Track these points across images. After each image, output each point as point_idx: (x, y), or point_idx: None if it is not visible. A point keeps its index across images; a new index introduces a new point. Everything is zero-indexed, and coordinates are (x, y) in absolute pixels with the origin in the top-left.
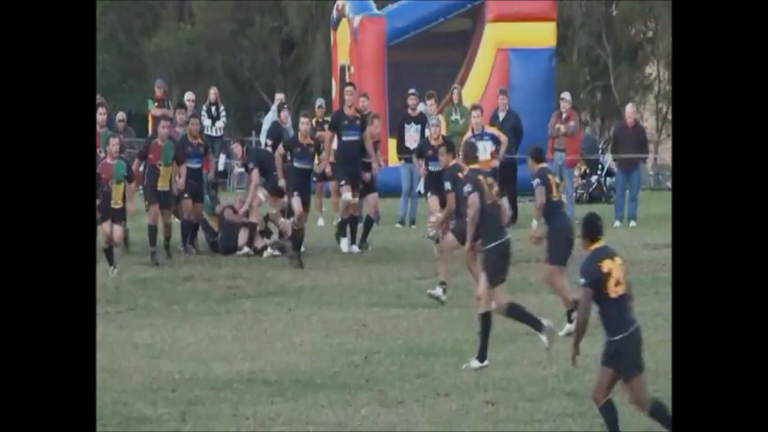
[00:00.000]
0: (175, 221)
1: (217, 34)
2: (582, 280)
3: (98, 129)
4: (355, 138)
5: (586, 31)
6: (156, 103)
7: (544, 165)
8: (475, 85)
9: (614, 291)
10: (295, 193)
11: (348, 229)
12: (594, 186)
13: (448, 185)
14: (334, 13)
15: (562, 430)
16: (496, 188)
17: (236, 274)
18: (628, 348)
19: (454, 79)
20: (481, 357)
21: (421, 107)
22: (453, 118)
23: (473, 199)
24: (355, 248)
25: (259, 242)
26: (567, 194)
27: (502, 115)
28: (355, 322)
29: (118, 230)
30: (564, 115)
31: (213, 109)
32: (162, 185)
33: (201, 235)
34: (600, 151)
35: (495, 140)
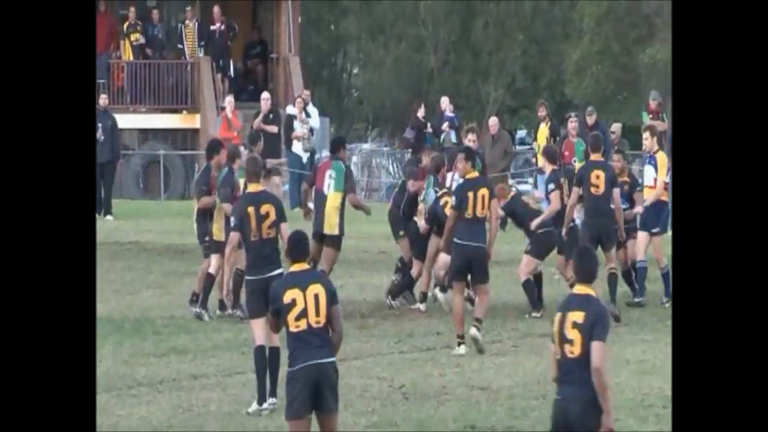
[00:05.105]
0: None
1: None
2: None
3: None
4: None
5: None
6: (650, 116)
7: None
8: None
9: (294, 325)
10: None
11: None
12: None
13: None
14: None
15: None
16: (272, 219)
17: None
18: (296, 382)
19: None
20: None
21: None
22: None
23: (234, 236)
24: None
25: None
26: None
27: None
28: None
29: None
30: None
31: None
32: None
33: None
34: None
35: None
